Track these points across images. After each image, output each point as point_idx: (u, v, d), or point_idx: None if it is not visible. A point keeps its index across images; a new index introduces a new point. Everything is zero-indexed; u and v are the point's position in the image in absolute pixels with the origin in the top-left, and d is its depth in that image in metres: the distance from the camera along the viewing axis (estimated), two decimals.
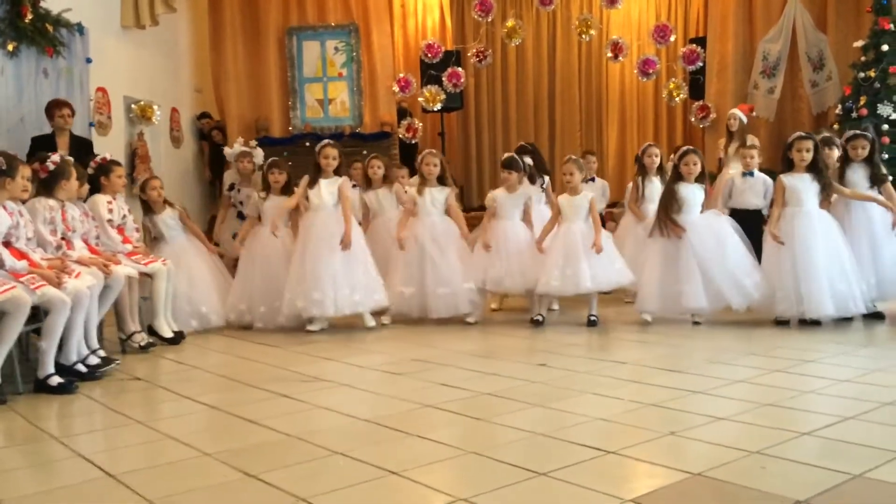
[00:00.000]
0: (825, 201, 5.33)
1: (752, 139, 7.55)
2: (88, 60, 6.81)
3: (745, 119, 7.69)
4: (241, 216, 6.62)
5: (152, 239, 5.84)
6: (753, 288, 5.23)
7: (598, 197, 6.38)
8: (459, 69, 9.57)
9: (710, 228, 5.40)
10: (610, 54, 9.61)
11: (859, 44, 8.14)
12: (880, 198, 5.37)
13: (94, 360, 4.32)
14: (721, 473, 2.44)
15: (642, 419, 3.12)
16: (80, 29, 6.60)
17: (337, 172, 5.67)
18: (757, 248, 5.82)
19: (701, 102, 9.77)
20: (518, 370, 4.14)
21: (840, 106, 8.27)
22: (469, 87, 10.81)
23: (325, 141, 5.82)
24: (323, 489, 2.41)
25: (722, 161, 7.69)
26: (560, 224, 5.64)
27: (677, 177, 5.50)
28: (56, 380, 3.90)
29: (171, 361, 4.79)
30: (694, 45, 9.73)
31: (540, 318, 5.63)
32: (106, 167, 5.32)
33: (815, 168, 5.29)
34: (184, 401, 3.73)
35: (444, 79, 9.51)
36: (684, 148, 5.72)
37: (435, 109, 9.75)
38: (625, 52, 9.54)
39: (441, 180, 5.86)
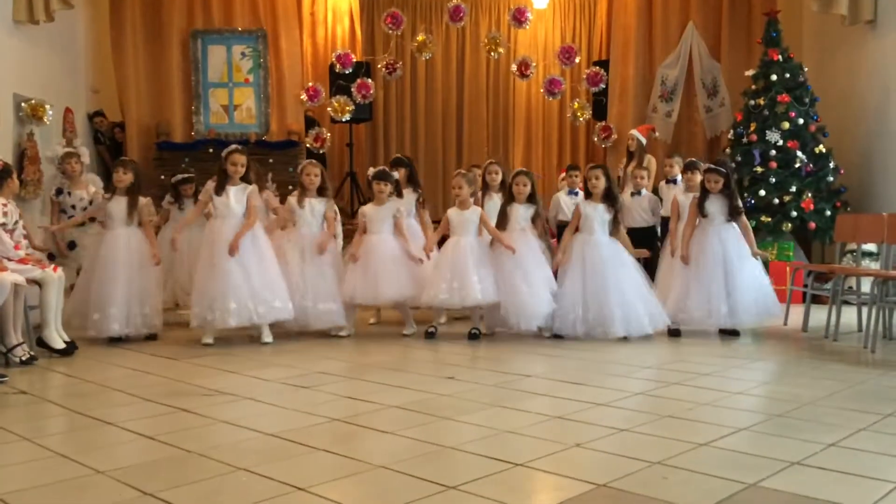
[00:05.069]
0: (616, 231, 5.68)
1: (649, 159, 7.82)
2: None
3: (643, 140, 7.98)
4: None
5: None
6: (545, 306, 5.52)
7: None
8: (369, 80, 9.53)
9: (517, 246, 5.61)
10: (516, 72, 9.78)
11: (750, 73, 8.60)
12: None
13: None
14: (625, 484, 2.50)
15: (549, 431, 3.16)
16: None
17: (245, 180, 5.54)
18: (653, 264, 6.15)
19: (603, 123, 10.09)
20: (426, 383, 4.13)
21: (732, 131, 8.70)
22: (378, 99, 10.80)
23: (233, 146, 5.61)
24: None
25: (620, 179, 7.94)
26: (449, 237, 5.76)
27: (510, 197, 5.81)
28: None
29: (61, 375, 4.53)
30: (597, 67, 10.04)
31: (433, 329, 5.78)
32: (6, 171, 5.08)
33: (610, 197, 5.69)
34: (74, 416, 3.53)
35: (353, 89, 9.44)
36: (516, 170, 5.98)
37: (343, 120, 9.68)
38: (531, 71, 9.74)
39: (321, 191, 5.83)
